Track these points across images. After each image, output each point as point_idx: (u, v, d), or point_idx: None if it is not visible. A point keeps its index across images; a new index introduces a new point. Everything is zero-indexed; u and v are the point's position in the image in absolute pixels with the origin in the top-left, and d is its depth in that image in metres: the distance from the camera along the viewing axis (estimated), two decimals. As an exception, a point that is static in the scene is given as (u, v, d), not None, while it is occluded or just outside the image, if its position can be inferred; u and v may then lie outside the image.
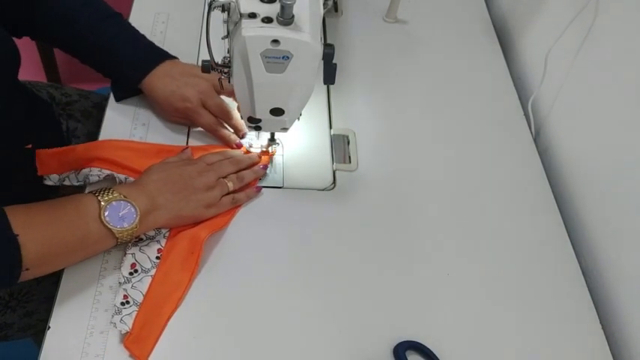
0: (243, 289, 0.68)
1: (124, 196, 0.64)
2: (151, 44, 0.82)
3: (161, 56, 0.81)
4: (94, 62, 0.81)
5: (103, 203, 0.63)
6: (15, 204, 0.63)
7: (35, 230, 0.59)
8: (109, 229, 0.63)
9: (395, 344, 0.65)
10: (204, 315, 0.66)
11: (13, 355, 1.27)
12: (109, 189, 0.65)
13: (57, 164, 0.74)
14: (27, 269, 0.59)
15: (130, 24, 0.83)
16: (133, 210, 0.64)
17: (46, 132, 0.82)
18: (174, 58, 0.82)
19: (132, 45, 0.81)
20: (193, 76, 0.79)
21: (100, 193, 0.64)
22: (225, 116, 0.80)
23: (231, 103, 0.81)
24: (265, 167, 0.79)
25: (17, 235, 0.57)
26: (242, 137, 0.82)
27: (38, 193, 0.65)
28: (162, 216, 0.67)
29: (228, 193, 0.73)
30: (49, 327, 0.63)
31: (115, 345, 0.62)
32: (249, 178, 0.76)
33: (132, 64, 0.79)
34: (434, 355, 0.65)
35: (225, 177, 0.74)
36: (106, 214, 0.63)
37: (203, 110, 0.78)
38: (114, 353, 0.62)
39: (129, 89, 0.82)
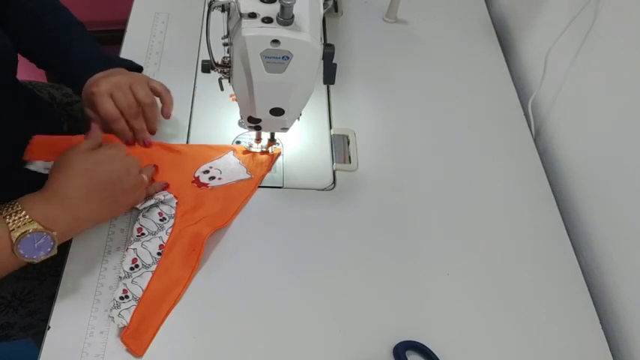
0: (242, 288, 0.68)
1: (39, 224, 0.59)
2: (106, 54, 0.80)
3: (111, 64, 0.78)
4: (48, 65, 0.80)
5: (14, 237, 0.57)
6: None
7: None
8: (24, 260, 0.59)
9: (395, 344, 0.65)
10: (204, 314, 0.66)
11: (14, 355, 1.27)
12: (21, 212, 0.59)
13: (48, 151, 0.72)
14: None
15: (90, 35, 0.81)
16: (49, 239, 0.59)
17: (46, 132, 0.82)
18: (134, 69, 0.81)
19: (85, 52, 0.79)
20: (120, 73, 0.76)
21: (12, 218, 0.58)
22: (129, 113, 0.75)
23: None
24: (149, 144, 0.76)
25: None
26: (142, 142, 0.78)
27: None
28: (83, 227, 0.65)
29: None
30: (49, 327, 0.63)
31: (115, 345, 0.62)
32: (151, 168, 0.75)
33: (81, 68, 0.77)
34: (434, 355, 0.65)
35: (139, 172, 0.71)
36: (20, 246, 0.58)
37: (107, 98, 0.73)
38: (114, 353, 0.62)
39: (79, 91, 0.79)
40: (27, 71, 0.81)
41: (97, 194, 0.63)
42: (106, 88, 0.73)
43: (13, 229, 0.58)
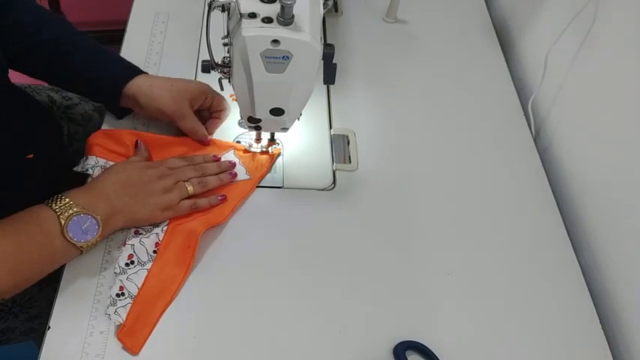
0: (242, 288, 0.68)
1: (83, 208, 0.63)
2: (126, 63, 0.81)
3: (139, 70, 0.80)
4: (66, 69, 0.79)
5: (63, 220, 0.62)
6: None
7: (3, 259, 0.59)
8: (73, 244, 0.63)
9: (395, 344, 0.65)
10: (204, 314, 0.66)
11: (14, 355, 1.27)
12: (65, 199, 0.64)
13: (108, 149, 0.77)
14: (1, 298, 0.60)
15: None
16: (94, 222, 0.64)
17: (46, 136, 0.82)
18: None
19: (110, 55, 0.80)
20: (174, 81, 0.79)
21: (56, 205, 0.63)
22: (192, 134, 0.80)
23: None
24: (233, 176, 0.77)
25: None
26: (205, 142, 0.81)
27: (38, 203, 0.65)
28: (119, 220, 0.67)
29: (190, 197, 0.73)
30: (49, 327, 0.63)
31: (115, 345, 0.62)
32: (213, 184, 0.75)
33: (115, 68, 0.78)
34: (434, 355, 0.65)
35: (186, 180, 0.73)
36: (69, 230, 0.62)
37: (195, 118, 0.79)
38: (114, 353, 0.62)
39: (116, 93, 0.79)
40: (26, 74, 0.81)
41: (128, 189, 0.68)
42: (191, 111, 0.79)
43: (60, 214, 0.62)
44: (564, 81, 0.87)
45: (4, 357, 1.25)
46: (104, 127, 0.82)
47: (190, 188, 0.72)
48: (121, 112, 0.82)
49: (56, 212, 0.62)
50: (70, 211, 0.63)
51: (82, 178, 0.75)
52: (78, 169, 0.75)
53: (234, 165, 0.79)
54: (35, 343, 0.94)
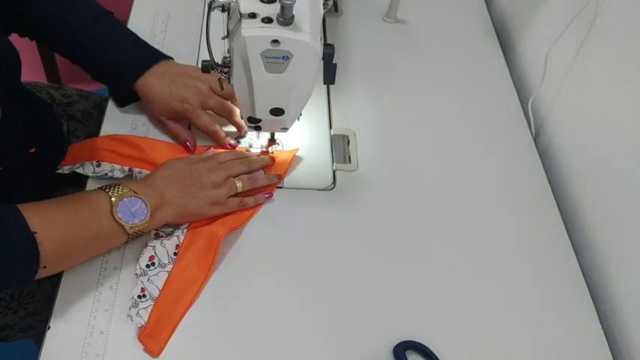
0: (242, 288, 0.68)
1: (134, 192, 0.65)
2: (146, 43, 0.82)
3: (157, 56, 0.80)
4: (85, 61, 0.80)
5: (114, 199, 0.64)
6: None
7: (51, 228, 0.60)
8: (121, 225, 0.64)
9: (395, 344, 0.65)
10: (203, 314, 0.66)
11: (14, 355, 1.27)
12: (119, 185, 0.66)
13: (79, 154, 0.76)
14: (44, 267, 0.60)
15: (121, 23, 0.82)
16: (144, 206, 0.65)
17: (46, 133, 0.82)
18: (170, 58, 0.82)
19: (127, 43, 0.80)
20: (191, 78, 0.79)
21: (109, 189, 0.65)
22: (227, 114, 0.80)
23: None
24: (280, 177, 0.78)
25: (34, 233, 0.58)
26: (243, 136, 0.81)
27: (42, 198, 0.65)
28: (168, 212, 0.68)
29: (237, 195, 0.73)
30: (49, 327, 0.63)
31: (115, 345, 0.62)
32: (262, 182, 0.76)
33: (127, 62, 0.79)
34: (434, 355, 0.65)
35: (236, 177, 0.74)
36: (118, 210, 0.64)
37: (201, 111, 0.78)
38: (114, 353, 0.62)
39: (124, 90, 0.80)
40: (26, 72, 0.81)
41: (178, 183, 0.69)
42: (198, 102, 0.78)
43: (112, 196, 0.65)
44: (564, 81, 0.87)
45: (3, 355, 1.26)
46: (104, 124, 0.82)
47: (239, 184, 0.73)
48: (124, 99, 0.83)
49: (108, 193, 0.64)
50: (121, 192, 0.65)
51: (81, 178, 0.75)
52: (88, 173, 0.75)
53: (274, 159, 0.80)
54: (34, 341, 0.94)
